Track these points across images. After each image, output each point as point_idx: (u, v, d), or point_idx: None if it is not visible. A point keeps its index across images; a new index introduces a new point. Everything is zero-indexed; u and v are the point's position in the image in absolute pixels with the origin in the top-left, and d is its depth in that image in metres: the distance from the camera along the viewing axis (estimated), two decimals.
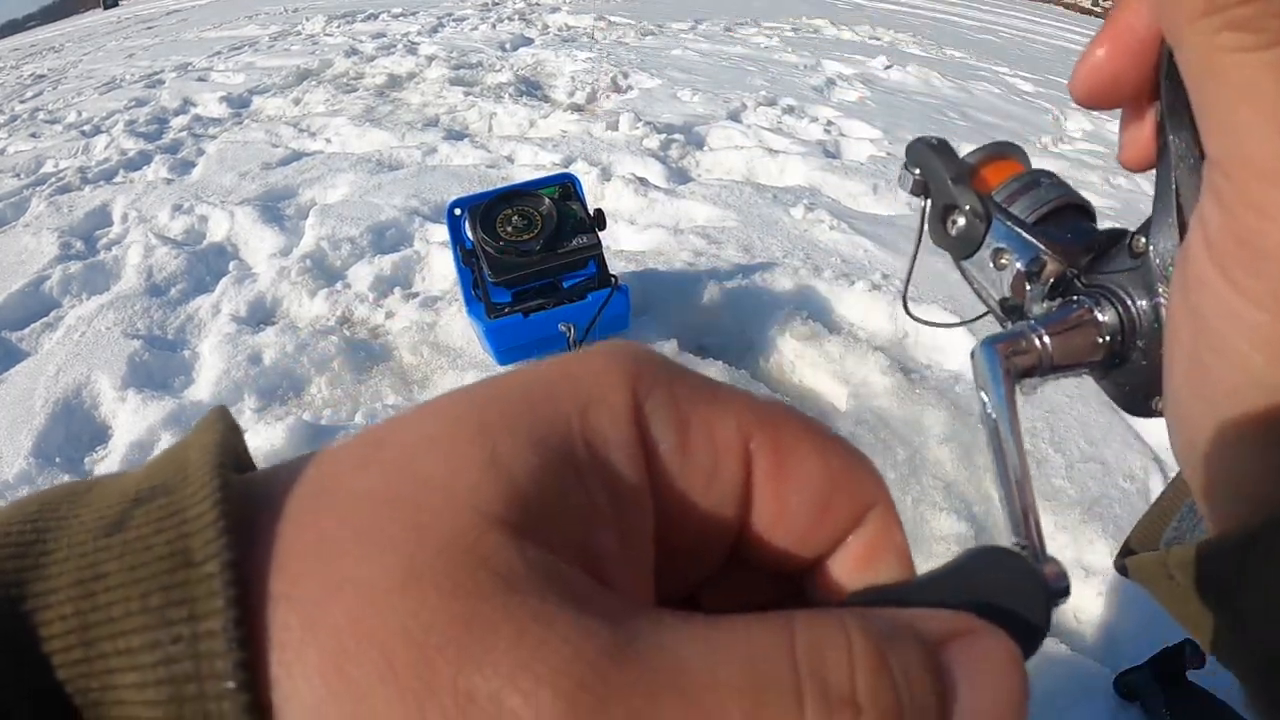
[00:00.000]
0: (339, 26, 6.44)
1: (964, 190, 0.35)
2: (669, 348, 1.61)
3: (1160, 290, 0.28)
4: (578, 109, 3.89)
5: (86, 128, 3.84)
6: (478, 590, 0.14)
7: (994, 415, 0.28)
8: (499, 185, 1.58)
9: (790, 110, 4.02)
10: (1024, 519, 0.25)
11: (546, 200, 1.50)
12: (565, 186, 1.54)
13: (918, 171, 0.37)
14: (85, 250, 2.42)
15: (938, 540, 1.36)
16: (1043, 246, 0.33)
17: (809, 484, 0.18)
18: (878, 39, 7.13)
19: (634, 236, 2.41)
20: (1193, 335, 0.22)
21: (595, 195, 2.70)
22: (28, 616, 0.15)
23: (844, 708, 0.14)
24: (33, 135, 3.91)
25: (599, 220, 1.51)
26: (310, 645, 0.14)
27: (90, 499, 0.17)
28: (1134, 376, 0.29)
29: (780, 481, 0.18)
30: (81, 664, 0.15)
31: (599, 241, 1.49)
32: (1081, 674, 1.17)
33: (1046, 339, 0.29)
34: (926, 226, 0.38)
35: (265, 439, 1.47)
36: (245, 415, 1.64)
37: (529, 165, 3.04)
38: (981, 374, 0.29)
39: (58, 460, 1.56)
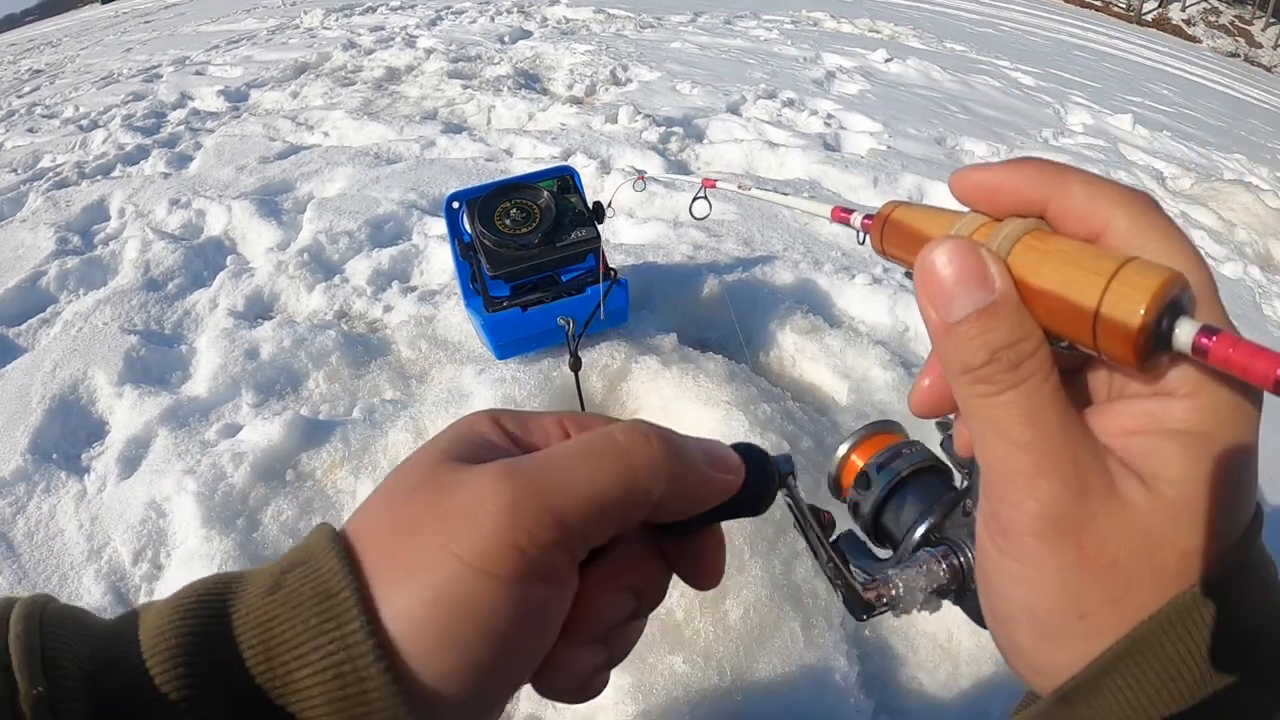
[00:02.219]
0: (337, 20, 6.41)
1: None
2: (668, 341, 1.60)
3: None
4: (577, 102, 3.87)
5: (84, 122, 3.82)
6: (437, 475, 0.32)
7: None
8: (497, 178, 1.57)
9: (790, 103, 4.00)
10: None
11: (545, 193, 1.49)
12: (564, 179, 1.53)
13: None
14: (82, 245, 2.40)
15: None
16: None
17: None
18: (878, 32, 7.11)
19: (633, 229, 2.40)
20: (982, 578, 0.32)
21: (594, 188, 2.68)
22: (229, 646, 0.28)
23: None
24: (30, 130, 3.89)
25: (598, 213, 1.50)
26: (394, 595, 0.29)
27: (246, 580, 0.30)
28: (975, 602, 0.38)
29: None
30: (266, 672, 0.27)
31: (598, 235, 1.48)
32: None
33: (900, 584, 0.42)
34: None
35: (263, 434, 1.46)
36: (243, 410, 1.63)
37: (528, 158, 3.02)
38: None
39: (54, 456, 1.55)
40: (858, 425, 1.55)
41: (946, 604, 0.44)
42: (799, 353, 1.79)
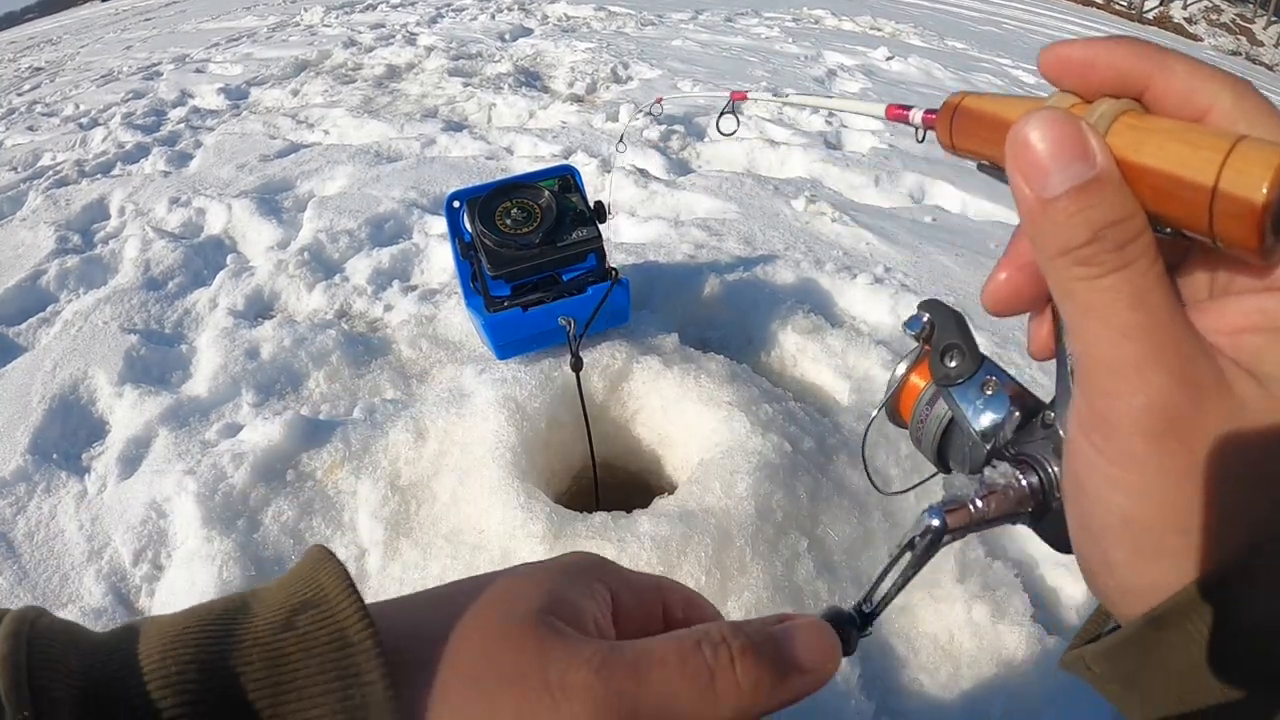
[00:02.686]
0: (337, 17, 6.40)
1: (967, 337, 0.43)
2: (670, 341, 1.60)
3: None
4: (578, 100, 3.86)
5: (84, 120, 3.82)
6: (537, 634, 0.30)
7: (910, 557, 0.37)
8: (498, 177, 1.56)
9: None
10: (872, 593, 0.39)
11: (546, 193, 1.49)
12: (565, 178, 1.53)
13: (927, 317, 0.45)
14: (82, 244, 2.40)
15: None
16: (1010, 396, 0.41)
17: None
18: (879, 30, 7.10)
19: (634, 229, 2.40)
20: (1074, 486, 0.30)
21: (595, 187, 2.68)
22: (233, 679, 0.27)
23: (723, 648, 0.31)
24: (30, 128, 3.88)
25: (599, 213, 1.49)
26: (450, 677, 0.29)
27: (253, 611, 0.29)
28: (1057, 524, 0.35)
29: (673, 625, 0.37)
30: (269, 707, 0.27)
31: (599, 234, 1.47)
32: None
33: (980, 503, 0.37)
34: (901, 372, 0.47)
35: (263, 434, 1.46)
36: (243, 410, 1.63)
37: (528, 156, 3.02)
38: (919, 533, 0.37)
39: (54, 456, 1.55)
40: (860, 426, 1.55)
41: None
42: (800, 352, 1.79)
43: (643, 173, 2.78)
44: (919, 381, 0.46)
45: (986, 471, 0.38)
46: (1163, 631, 0.28)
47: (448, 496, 1.33)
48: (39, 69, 5.99)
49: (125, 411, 1.63)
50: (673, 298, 1.91)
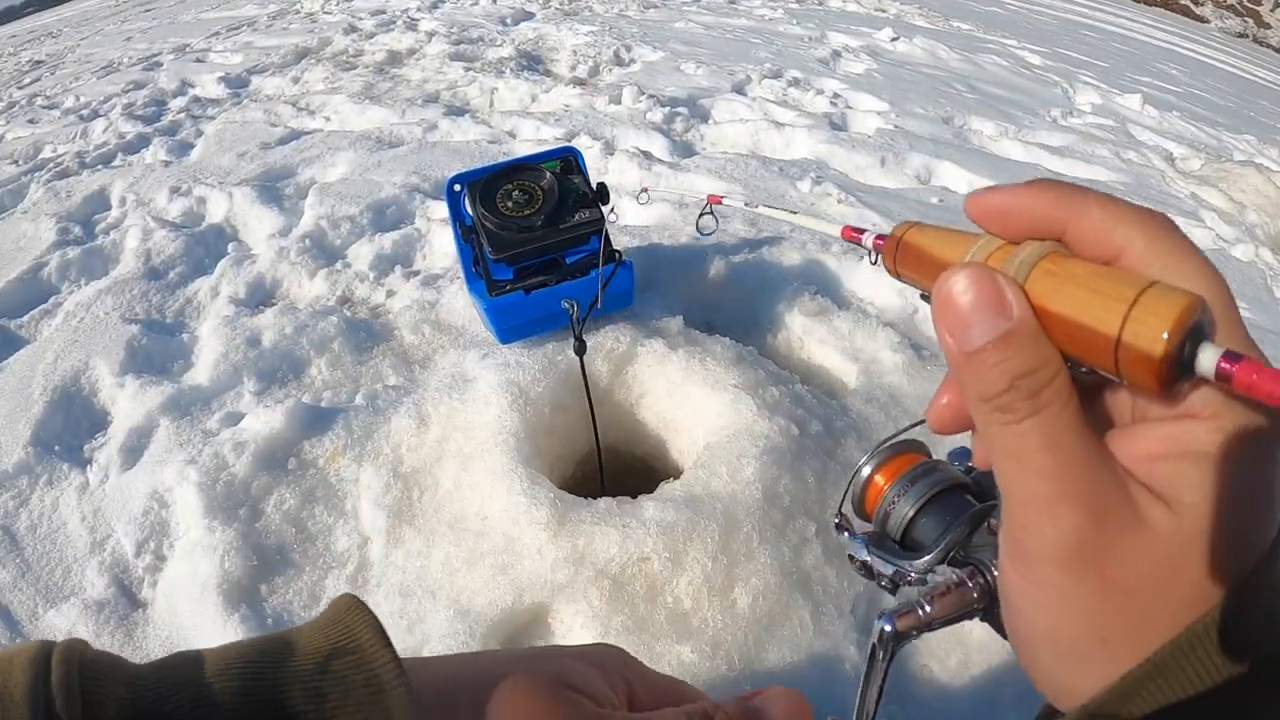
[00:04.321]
0: (338, 4, 6.35)
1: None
2: (674, 324, 1.57)
3: None
4: (580, 83, 3.83)
5: (84, 112, 3.80)
6: (555, 694, 0.35)
7: (873, 667, 0.42)
8: (500, 160, 1.54)
9: (796, 83, 3.95)
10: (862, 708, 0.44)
11: (548, 175, 1.46)
12: (567, 160, 1.50)
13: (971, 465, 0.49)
14: (84, 235, 2.39)
15: None
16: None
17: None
18: (883, 11, 7.02)
19: (638, 211, 2.37)
20: (1005, 602, 0.33)
21: (599, 170, 2.65)
22: (276, 705, 0.30)
23: None
24: (30, 121, 3.86)
25: (602, 194, 1.47)
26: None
27: (294, 651, 0.33)
28: (1000, 619, 0.38)
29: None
30: None
31: (602, 216, 1.45)
32: None
33: (928, 607, 0.41)
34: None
35: (265, 422, 1.45)
36: (245, 399, 1.62)
37: (531, 140, 2.99)
38: (876, 638, 0.42)
39: (57, 449, 1.54)
40: (867, 408, 1.53)
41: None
42: (807, 334, 1.76)
43: (646, 155, 2.75)
44: (881, 481, 0.49)
45: (930, 579, 0.43)
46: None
47: (450, 483, 1.31)
48: (39, 62, 5.96)
49: (127, 402, 1.62)
50: (677, 280, 1.89)
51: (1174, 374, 0.26)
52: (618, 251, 1.48)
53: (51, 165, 3.03)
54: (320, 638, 0.34)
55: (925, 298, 0.35)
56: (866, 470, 0.50)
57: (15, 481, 1.46)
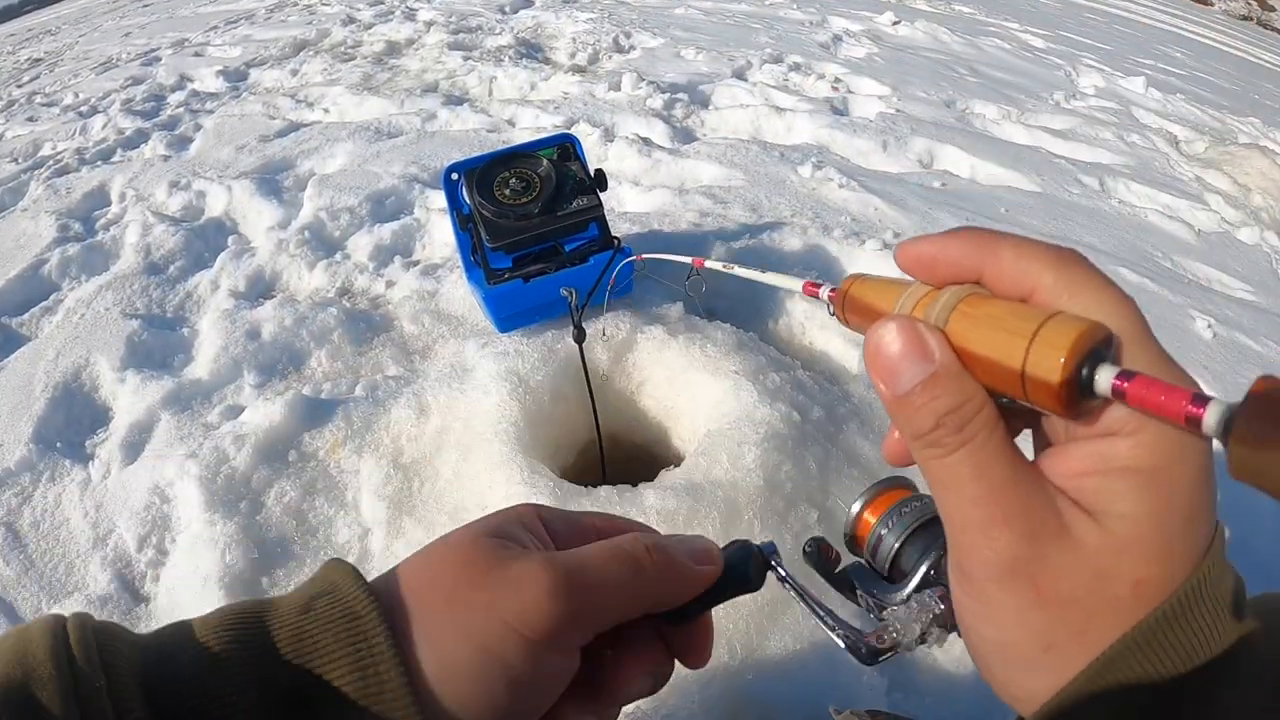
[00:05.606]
0: None
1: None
2: (674, 311, 1.56)
3: None
4: (579, 70, 3.80)
5: (83, 109, 3.78)
6: (490, 547, 0.38)
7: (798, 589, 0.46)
8: (499, 148, 1.53)
9: (796, 67, 3.92)
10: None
11: (545, 162, 1.45)
12: (564, 147, 1.49)
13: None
14: (83, 232, 2.38)
15: None
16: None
17: None
18: None
19: (638, 198, 2.36)
20: (957, 618, 0.36)
21: (598, 157, 2.64)
22: (271, 649, 0.34)
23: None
24: (30, 119, 3.85)
25: (600, 181, 1.46)
26: (433, 600, 0.37)
27: (277, 604, 0.37)
28: None
29: None
30: (299, 668, 0.34)
31: (600, 203, 1.44)
32: None
33: (899, 626, 0.46)
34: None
35: (265, 415, 1.44)
36: (245, 392, 1.62)
37: (530, 128, 2.97)
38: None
39: (58, 445, 1.54)
40: (870, 394, 1.51)
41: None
42: (809, 320, 1.75)
43: (646, 141, 2.74)
44: (870, 518, 0.54)
45: (901, 609, 0.47)
46: None
47: (450, 473, 1.31)
48: (38, 60, 5.95)
49: (127, 397, 1.62)
50: (677, 266, 1.87)
51: (1076, 397, 0.28)
52: (617, 238, 1.47)
53: (51, 162, 3.02)
54: (302, 590, 0.38)
55: None
56: (856, 508, 0.55)
57: (18, 478, 1.46)
